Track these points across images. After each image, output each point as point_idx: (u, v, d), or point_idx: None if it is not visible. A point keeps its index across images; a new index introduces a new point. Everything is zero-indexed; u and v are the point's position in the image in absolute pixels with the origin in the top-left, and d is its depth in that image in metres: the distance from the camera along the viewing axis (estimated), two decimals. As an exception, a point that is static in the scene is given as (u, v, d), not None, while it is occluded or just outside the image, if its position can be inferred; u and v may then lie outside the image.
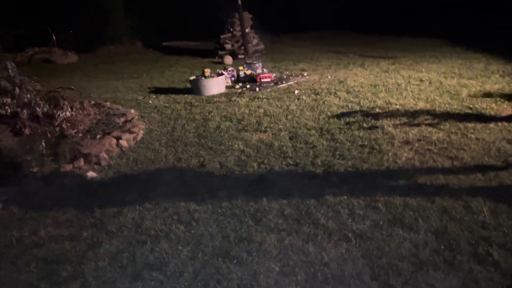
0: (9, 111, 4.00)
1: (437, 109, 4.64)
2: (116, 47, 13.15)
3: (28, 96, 4.18)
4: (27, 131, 4.15)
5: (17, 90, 4.22)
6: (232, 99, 5.81)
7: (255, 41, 10.56)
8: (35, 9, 11.26)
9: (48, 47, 7.02)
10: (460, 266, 2.14)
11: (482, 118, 4.22)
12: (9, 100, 4.03)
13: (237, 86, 6.63)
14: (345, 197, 2.92)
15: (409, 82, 5.95)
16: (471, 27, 10.33)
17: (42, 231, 2.92)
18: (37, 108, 4.16)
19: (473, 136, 3.76)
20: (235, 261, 2.35)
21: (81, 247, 2.68)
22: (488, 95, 5.03)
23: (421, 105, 4.82)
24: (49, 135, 4.17)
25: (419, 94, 5.26)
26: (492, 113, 4.37)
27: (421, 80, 5.99)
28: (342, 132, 4.16)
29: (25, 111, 4.06)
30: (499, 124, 3.99)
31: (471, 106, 4.63)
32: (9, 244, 2.81)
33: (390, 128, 4.13)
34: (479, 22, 10.47)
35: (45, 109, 4.26)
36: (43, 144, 3.99)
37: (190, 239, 2.62)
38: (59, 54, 11.67)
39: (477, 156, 3.37)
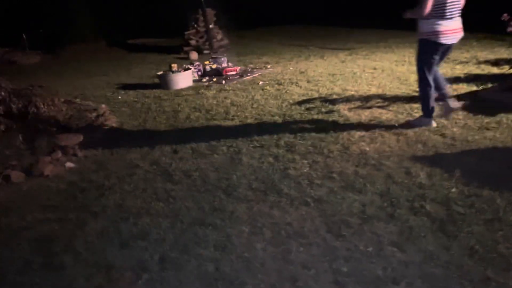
0: (-16, 108, 4.15)
1: (387, 93, 5.12)
2: (79, 46, 13.09)
3: (3, 93, 4.34)
4: (2, 127, 4.30)
5: (-10, 88, 4.36)
6: (200, 91, 6.11)
7: (219, 37, 10.86)
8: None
9: (18, 48, 7.03)
10: (399, 217, 2.57)
11: (426, 99, 4.72)
12: (-16, 98, 4.18)
13: (204, 80, 6.93)
14: (305, 170, 3.32)
15: (364, 70, 6.45)
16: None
17: (29, 216, 3.13)
18: (12, 105, 4.33)
19: (417, 115, 4.24)
20: (210, 227, 2.69)
21: (69, 227, 2.93)
22: (433, 79, 5.56)
23: (373, 90, 5.30)
24: (24, 131, 4.34)
25: (372, 81, 5.75)
26: (435, 95, 4.88)
27: (375, 69, 6.50)
28: (303, 116, 4.56)
29: (1, 107, 4.22)
30: (440, 103, 4.49)
31: (417, 89, 5.13)
32: (-2, 229, 3.03)
33: (345, 112, 4.57)
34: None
35: (20, 106, 4.42)
36: (20, 138, 4.17)
37: (169, 212, 2.93)
38: (21, 54, 11.56)
39: (418, 131, 3.84)
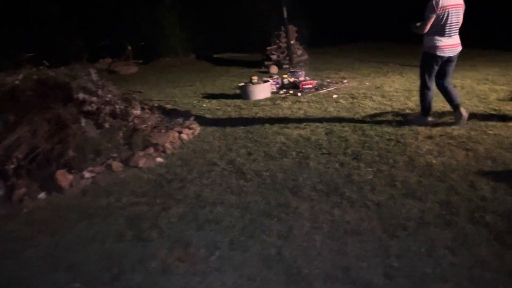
0: (94, 108, 4.89)
1: (463, 110, 5.06)
2: (171, 59, 14.32)
3: (109, 96, 5.08)
4: (107, 125, 5.01)
5: (100, 91, 5.13)
6: (276, 102, 6.49)
7: (299, 52, 11.24)
8: (103, 26, 12.66)
9: (122, 58, 8.11)
10: (456, 225, 2.67)
11: (504, 118, 4.62)
12: (94, 99, 4.93)
13: (281, 92, 7.32)
14: (369, 177, 3.50)
15: (442, 87, 6.36)
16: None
17: (124, 198, 3.70)
18: (116, 106, 5.05)
19: (491, 132, 4.19)
20: (275, 219, 3.00)
21: (155, 209, 3.42)
22: (516, 99, 5.38)
23: (449, 107, 5.24)
24: (124, 129, 5.03)
25: (449, 98, 5.68)
26: (515, 114, 4.75)
27: (454, 86, 6.35)
28: (373, 129, 4.70)
29: (107, 108, 4.95)
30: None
31: (496, 108, 5.02)
32: (99, 207, 3.61)
33: (416, 126, 4.63)
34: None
35: (122, 107, 5.14)
36: (121, 135, 4.85)
37: (240, 204, 3.30)
38: (121, 65, 12.98)
39: (490, 148, 3.82)
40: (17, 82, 4.66)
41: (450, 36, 4.32)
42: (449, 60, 4.43)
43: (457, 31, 4.38)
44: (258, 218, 3.05)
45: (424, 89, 4.63)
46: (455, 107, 4.61)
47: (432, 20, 4.25)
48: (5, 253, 2.99)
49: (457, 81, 6.71)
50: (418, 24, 4.40)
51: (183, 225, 3.10)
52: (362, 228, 2.76)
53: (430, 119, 4.74)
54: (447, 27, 4.27)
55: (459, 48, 4.45)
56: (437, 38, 4.32)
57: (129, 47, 6.56)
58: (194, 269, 2.58)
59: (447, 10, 4.22)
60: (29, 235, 3.21)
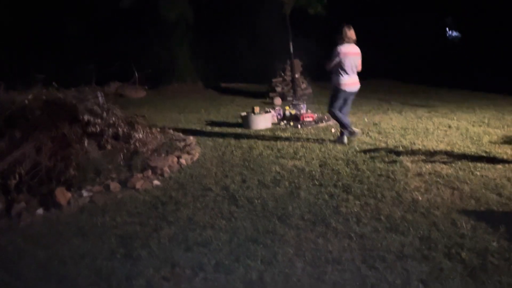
0: (98, 129, 5.10)
1: (455, 151, 5.21)
2: (179, 85, 14.70)
3: (113, 119, 5.29)
4: (109, 146, 5.21)
5: (105, 114, 5.35)
6: (276, 133, 6.68)
7: (303, 86, 11.54)
8: (115, 52, 13.14)
9: (130, 83, 8.46)
10: (433, 259, 2.76)
11: (493, 160, 4.75)
12: (99, 121, 5.14)
13: (282, 123, 7.52)
14: (356, 209, 3.61)
15: (438, 127, 6.54)
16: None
17: (119, 218, 3.82)
18: (119, 129, 5.25)
19: (478, 173, 4.32)
20: (261, 245, 3.10)
21: (147, 229, 3.54)
22: (508, 142, 5.51)
23: (441, 146, 5.41)
24: (125, 151, 5.21)
25: (443, 138, 5.85)
26: (505, 157, 4.87)
27: (449, 127, 6.55)
28: (365, 163, 4.84)
29: (110, 130, 5.15)
30: (506, 165, 4.51)
31: (487, 150, 5.16)
32: (94, 225, 3.73)
33: (407, 163, 4.77)
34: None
35: (125, 130, 5.34)
36: (121, 157, 5.03)
37: (229, 229, 3.41)
38: (130, 89, 13.34)
39: (475, 188, 3.93)
40: (26, 101, 4.89)
41: (349, 74, 5.61)
42: (350, 94, 5.73)
43: (355, 72, 5.69)
44: (245, 243, 3.16)
45: (335, 116, 5.82)
46: (348, 133, 5.85)
47: (335, 61, 5.59)
48: (1, 264, 3.11)
49: (453, 122, 6.89)
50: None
51: (173, 246, 3.21)
52: (343, 258, 2.86)
53: (356, 130, 5.87)
54: (352, 68, 5.60)
55: (358, 86, 5.75)
56: (341, 75, 5.60)
57: (136, 74, 6.88)
58: (178, 288, 2.68)
59: (347, 56, 5.55)
60: (25, 248, 3.33)
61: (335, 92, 5.73)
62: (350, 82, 5.64)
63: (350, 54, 5.58)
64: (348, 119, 5.87)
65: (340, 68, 5.59)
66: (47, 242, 3.39)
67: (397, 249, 2.93)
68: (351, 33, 5.61)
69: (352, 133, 5.83)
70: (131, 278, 2.80)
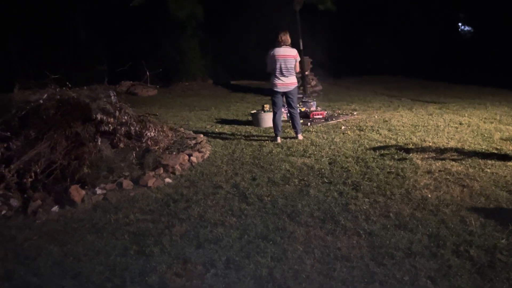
0: (111, 128, 5.19)
1: (466, 148, 5.19)
2: (189, 84, 14.79)
3: (125, 117, 5.38)
4: (121, 144, 5.30)
5: (117, 112, 5.43)
6: (286, 130, 6.71)
7: (313, 83, 11.54)
8: (124, 50, 13.30)
9: (141, 82, 8.57)
10: (441, 256, 2.79)
11: (504, 157, 4.73)
12: (111, 120, 5.23)
13: (292, 121, 7.54)
14: (365, 207, 3.64)
15: (448, 124, 6.51)
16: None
17: (131, 215, 3.91)
18: (131, 127, 5.34)
19: (489, 170, 4.30)
20: (271, 242, 3.16)
21: (160, 227, 3.62)
22: (520, 139, 5.48)
23: (452, 144, 5.39)
24: (137, 149, 5.30)
25: (454, 135, 5.83)
26: (516, 154, 4.85)
27: (460, 123, 6.52)
28: (375, 161, 4.86)
29: (122, 129, 5.24)
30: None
31: (498, 147, 5.13)
32: (108, 222, 3.82)
33: (417, 160, 4.77)
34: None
35: (137, 129, 5.43)
36: (133, 155, 5.11)
37: (239, 226, 3.47)
38: (141, 87, 13.48)
39: (485, 185, 3.93)
40: (41, 101, 4.99)
41: (285, 76, 5.96)
42: (286, 94, 6.06)
43: (290, 74, 5.99)
44: (255, 240, 3.21)
45: (273, 114, 6.23)
46: (295, 132, 6.22)
47: (269, 63, 6.01)
48: (18, 260, 3.21)
49: (464, 119, 6.85)
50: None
51: (184, 243, 3.28)
52: (352, 255, 2.89)
53: (278, 140, 6.11)
54: (282, 70, 5.94)
55: (292, 87, 6.03)
56: (276, 77, 5.98)
57: (148, 73, 6.97)
58: (190, 284, 2.74)
59: (277, 58, 5.90)
60: (41, 245, 3.43)
61: (272, 92, 6.14)
62: (281, 83, 5.98)
63: (281, 57, 5.93)
64: (281, 123, 6.21)
65: (272, 70, 6.00)
66: (62, 239, 3.49)
67: (405, 246, 2.96)
68: (286, 38, 6.00)
69: (274, 138, 6.17)
70: (144, 274, 2.87)
